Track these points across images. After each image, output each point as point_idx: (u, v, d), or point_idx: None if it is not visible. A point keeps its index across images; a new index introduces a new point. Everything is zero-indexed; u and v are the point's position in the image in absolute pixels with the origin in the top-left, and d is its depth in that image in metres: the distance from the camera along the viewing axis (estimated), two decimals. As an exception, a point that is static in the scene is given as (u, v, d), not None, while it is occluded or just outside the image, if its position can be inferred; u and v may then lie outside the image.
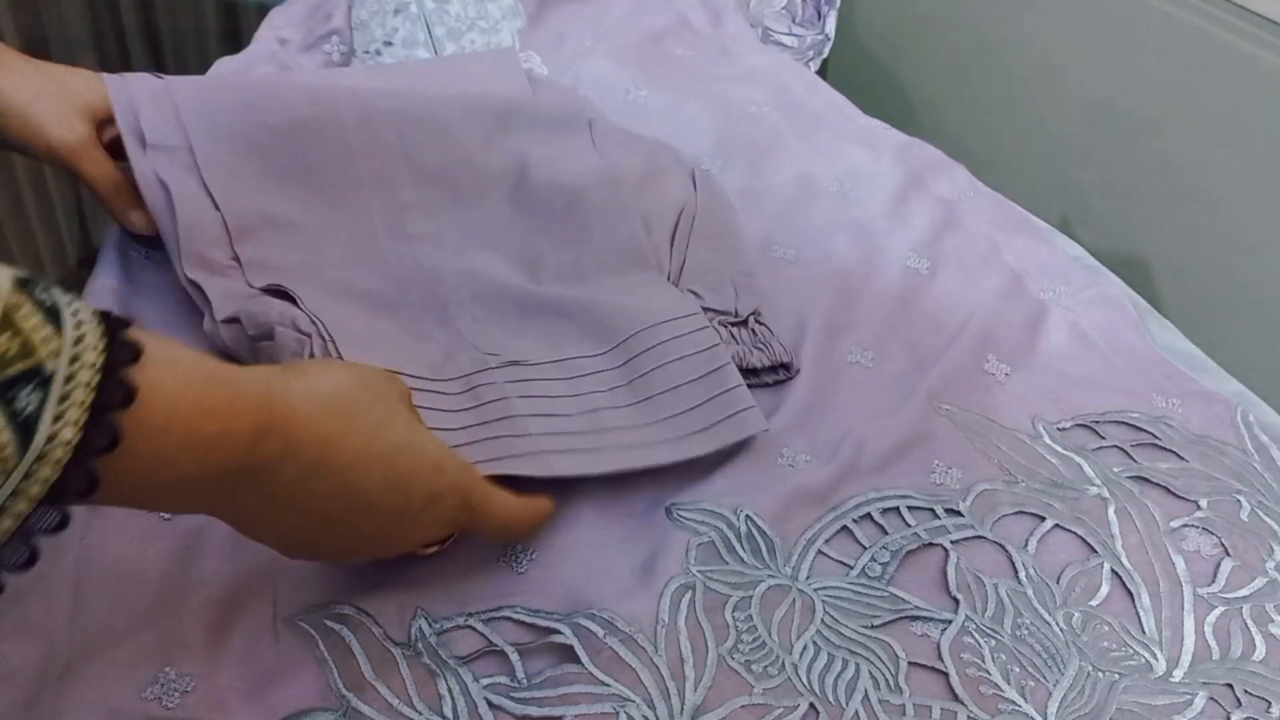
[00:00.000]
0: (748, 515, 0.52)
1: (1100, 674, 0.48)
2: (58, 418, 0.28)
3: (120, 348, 0.31)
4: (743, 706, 0.44)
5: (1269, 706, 0.47)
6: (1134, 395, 0.63)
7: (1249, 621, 0.51)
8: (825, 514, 0.53)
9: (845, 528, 0.53)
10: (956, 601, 0.50)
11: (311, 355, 0.53)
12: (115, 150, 0.62)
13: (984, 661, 0.48)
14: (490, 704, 0.43)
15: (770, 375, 0.61)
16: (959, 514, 0.54)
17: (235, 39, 1.21)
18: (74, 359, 0.29)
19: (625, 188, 0.68)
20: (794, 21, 1.07)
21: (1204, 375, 0.66)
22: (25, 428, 0.27)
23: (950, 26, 1.06)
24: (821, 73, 1.07)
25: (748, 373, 0.59)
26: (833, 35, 1.08)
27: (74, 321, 0.29)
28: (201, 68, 0.85)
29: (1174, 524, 0.55)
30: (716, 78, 0.93)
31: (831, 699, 0.45)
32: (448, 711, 0.43)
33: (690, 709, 0.44)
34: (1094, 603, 0.51)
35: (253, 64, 0.84)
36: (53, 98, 0.60)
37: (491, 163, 0.68)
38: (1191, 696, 0.47)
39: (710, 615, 0.48)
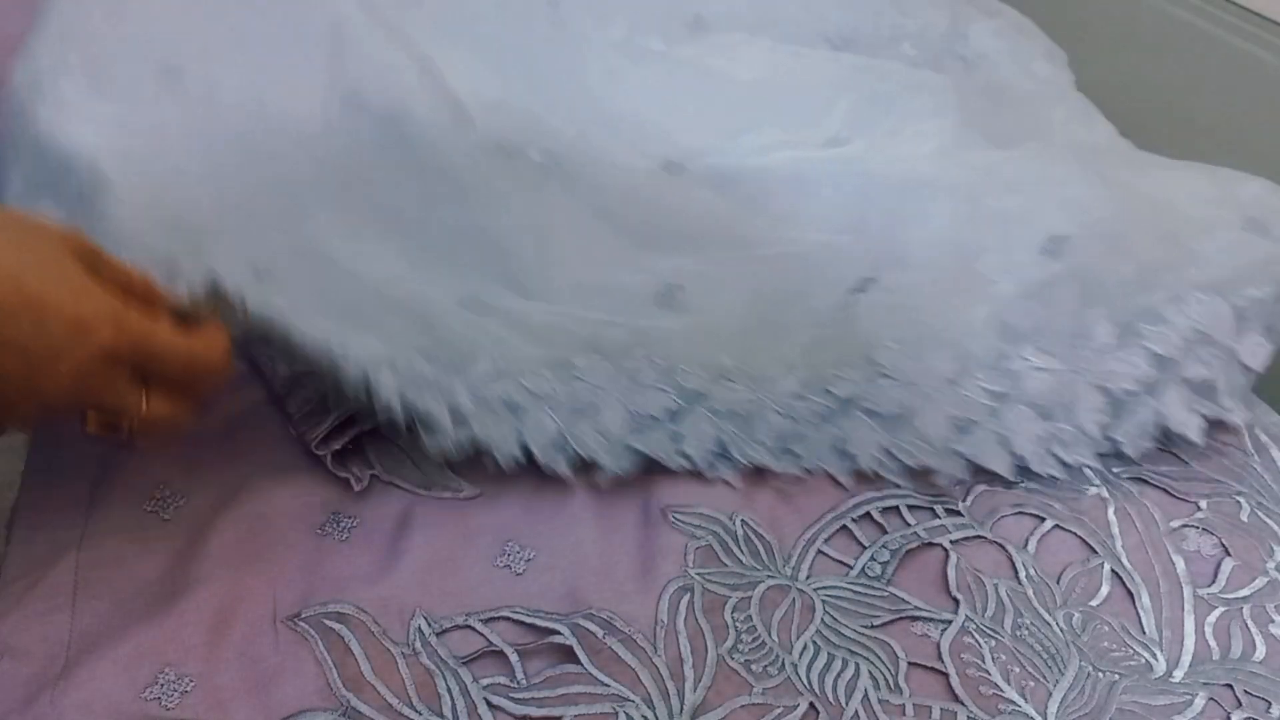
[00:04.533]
0: (744, 520, 0.52)
1: (1100, 674, 0.48)
2: None
3: None
4: (742, 706, 0.44)
5: (1269, 707, 0.47)
6: (1134, 395, 0.63)
7: (1249, 622, 0.51)
8: (825, 513, 0.53)
9: (845, 527, 0.53)
10: (956, 601, 0.50)
11: None
12: None
13: (984, 661, 0.48)
14: (490, 704, 0.43)
15: None
16: (959, 514, 0.54)
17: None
18: None
19: None
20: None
21: (1204, 375, 0.65)
22: None
23: (950, 27, 1.06)
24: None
25: None
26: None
27: None
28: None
29: (1174, 524, 0.55)
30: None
31: (831, 699, 0.45)
32: (447, 711, 0.43)
33: (690, 709, 0.44)
34: (1094, 603, 0.51)
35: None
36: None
37: None
38: (1191, 697, 0.47)
39: (709, 615, 0.48)
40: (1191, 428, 0.58)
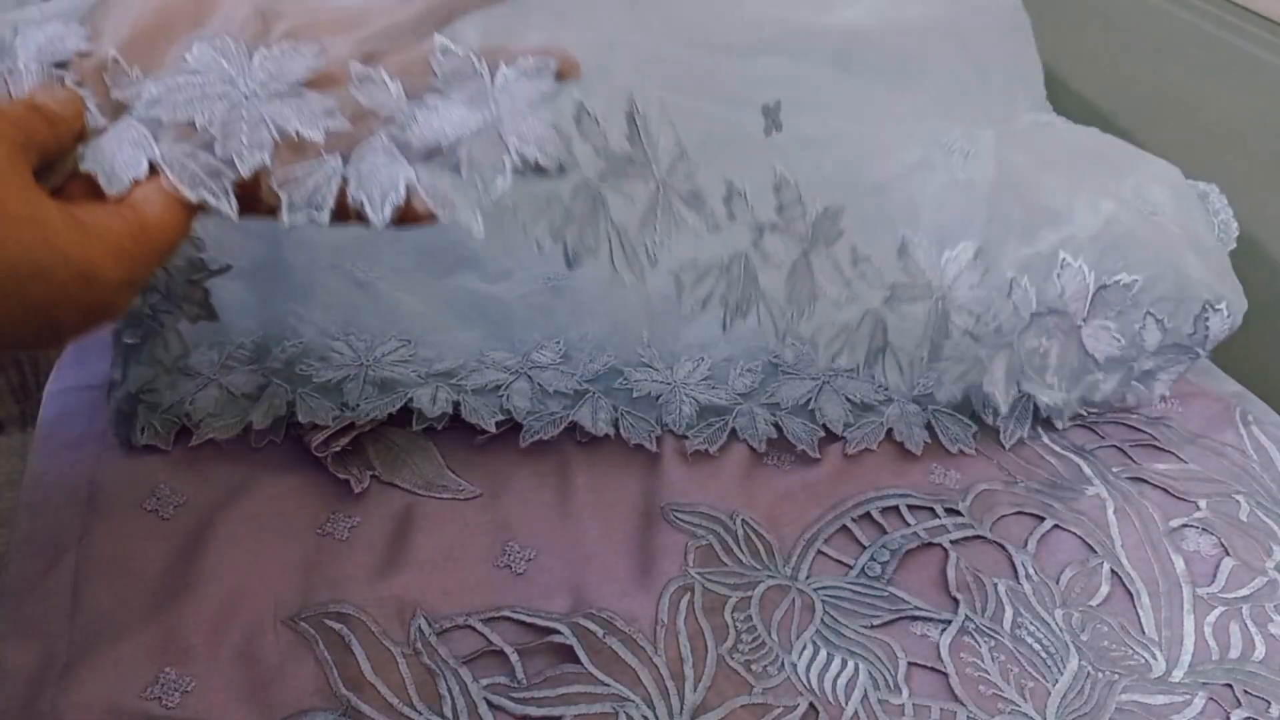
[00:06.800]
0: (744, 519, 0.52)
1: (1100, 674, 0.48)
2: None
3: None
4: (742, 706, 0.44)
5: (1269, 706, 0.47)
6: (1132, 395, 0.63)
7: (1248, 621, 0.51)
8: (825, 513, 0.53)
9: (844, 527, 0.53)
10: (956, 601, 0.50)
11: None
12: None
13: (983, 661, 0.48)
14: (490, 704, 0.43)
15: None
16: (958, 513, 0.54)
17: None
18: None
19: None
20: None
21: (1204, 375, 0.66)
22: None
23: (950, 26, 1.06)
24: (821, 73, 1.07)
25: None
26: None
27: None
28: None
29: (1173, 524, 0.55)
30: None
31: (831, 699, 0.45)
32: (448, 711, 0.43)
33: (690, 708, 0.44)
34: (1094, 603, 0.51)
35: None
36: None
37: None
38: (1191, 696, 0.47)
39: (709, 615, 0.48)
40: (1002, 398, 0.57)
